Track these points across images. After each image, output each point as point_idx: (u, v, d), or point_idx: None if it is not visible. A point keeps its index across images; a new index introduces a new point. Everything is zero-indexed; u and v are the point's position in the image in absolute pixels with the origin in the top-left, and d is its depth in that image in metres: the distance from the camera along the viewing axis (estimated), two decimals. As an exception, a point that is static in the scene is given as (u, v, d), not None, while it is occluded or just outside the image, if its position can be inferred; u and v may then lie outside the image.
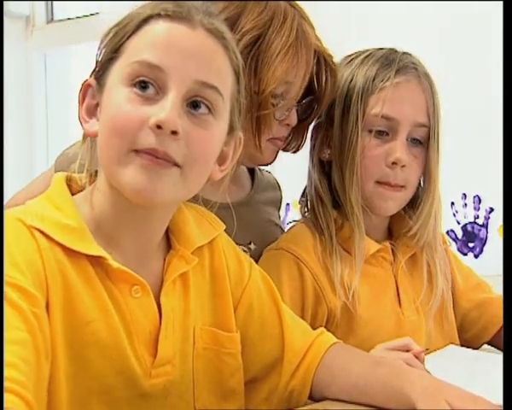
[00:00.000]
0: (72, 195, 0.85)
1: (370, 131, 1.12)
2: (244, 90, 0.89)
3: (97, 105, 0.84)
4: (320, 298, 1.11)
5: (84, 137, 0.88)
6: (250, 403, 0.95)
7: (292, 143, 1.20)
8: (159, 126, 0.76)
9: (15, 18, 2.70)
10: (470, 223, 1.78)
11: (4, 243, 0.73)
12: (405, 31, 1.76)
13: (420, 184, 1.20)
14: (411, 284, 1.21)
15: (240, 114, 0.88)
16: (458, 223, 1.79)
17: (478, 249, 1.77)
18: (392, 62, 1.13)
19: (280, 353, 0.94)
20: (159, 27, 0.80)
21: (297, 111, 1.13)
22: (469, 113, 1.68)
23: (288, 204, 2.07)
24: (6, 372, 0.63)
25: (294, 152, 1.22)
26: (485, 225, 1.75)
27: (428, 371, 0.96)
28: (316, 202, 1.18)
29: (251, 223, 1.18)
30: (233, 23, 1.02)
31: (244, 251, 1.06)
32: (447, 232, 1.80)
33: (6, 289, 0.70)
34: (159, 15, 0.80)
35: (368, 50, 1.18)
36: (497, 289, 1.24)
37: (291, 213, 2.04)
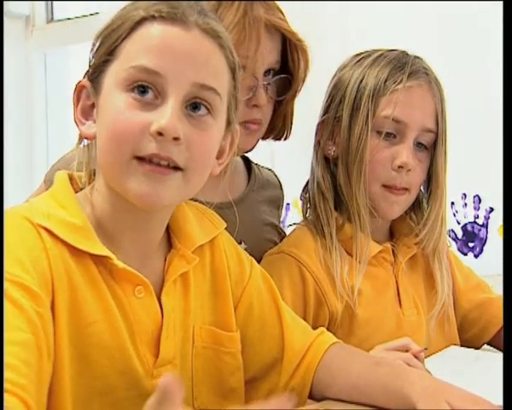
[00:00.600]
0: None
1: (378, 133, 1.13)
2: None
3: (93, 106, 0.83)
4: (322, 302, 1.11)
5: (80, 137, 0.88)
6: (249, 403, 0.94)
7: (275, 129, 1.20)
8: (160, 133, 0.76)
9: (15, 18, 2.69)
10: (470, 223, 1.78)
11: (9, 241, 0.73)
12: (405, 31, 1.76)
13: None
14: (412, 284, 1.21)
15: (236, 108, 0.88)
16: (458, 223, 1.79)
17: (478, 249, 1.77)
18: (405, 65, 1.13)
19: (280, 352, 0.94)
20: (154, 30, 0.79)
21: (267, 91, 1.13)
22: (469, 113, 1.68)
23: (288, 204, 2.07)
24: (6, 374, 0.63)
25: (279, 139, 1.23)
26: (485, 225, 1.75)
27: (429, 371, 0.96)
28: (317, 199, 1.18)
29: (243, 222, 1.17)
30: None
31: None
32: (447, 232, 1.80)
33: (10, 287, 0.70)
34: (153, 17, 0.80)
35: (379, 51, 1.18)
36: (497, 289, 1.24)
37: (291, 213, 2.04)
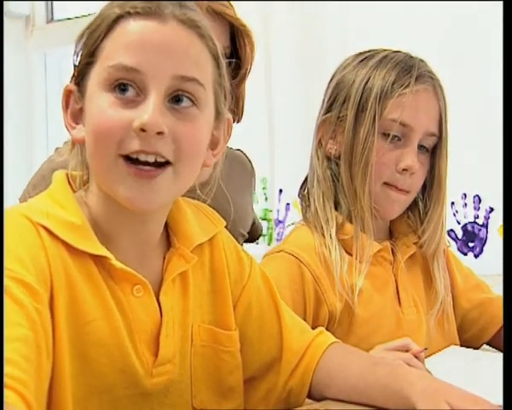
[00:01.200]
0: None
1: (384, 135, 1.13)
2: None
3: (81, 110, 0.83)
4: (321, 300, 1.11)
5: (73, 143, 0.87)
6: (248, 402, 0.95)
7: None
8: (143, 129, 0.76)
9: (15, 18, 2.69)
10: (470, 223, 1.78)
11: (9, 239, 0.73)
12: (405, 31, 1.76)
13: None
14: (411, 283, 1.21)
15: (225, 98, 0.88)
16: (458, 223, 1.79)
17: (478, 249, 1.77)
18: (412, 69, 1.13)
19: (278, 352, 0.94)
20: (130, 27, 0.79)
21: None
22: (469, 113, 1.68)
23: (288, 204, 2.07)
24: (6, 369, 0.63)
25: (234, 121, 1.24)
26: (485, 225, 1.75)
27: (429, 371, 0.96)
28: (317, 198, 1.18)
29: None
30: None
31: None
32: (447, 232, 1.80)
33: (10, 283, 0.70)
34: (128, 14, 0.79)
35: (382, 51, 1.18)
36: (497, 289, 1.24)
37: (291, 213, 2.04)
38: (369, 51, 1.19)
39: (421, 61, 1.17)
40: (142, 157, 0.77)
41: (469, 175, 1.72)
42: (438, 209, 1.19)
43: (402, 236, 1.22)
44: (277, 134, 2.08)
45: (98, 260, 0.80)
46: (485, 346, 1.28)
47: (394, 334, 1.10)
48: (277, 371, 0.94)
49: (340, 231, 1.16)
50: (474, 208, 1.77)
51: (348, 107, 1.15)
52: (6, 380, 0.62)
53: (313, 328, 0.99)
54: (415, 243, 1.23)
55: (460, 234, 1.79)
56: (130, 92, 0.78)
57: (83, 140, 0.82)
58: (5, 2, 2.52)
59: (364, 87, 1.14)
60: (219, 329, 0.91)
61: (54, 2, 2.81)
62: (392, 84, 1.12)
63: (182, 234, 0.89)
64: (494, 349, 1.27)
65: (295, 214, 1.90)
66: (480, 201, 1.76)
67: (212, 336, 0.90)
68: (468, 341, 1.27)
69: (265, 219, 2.10)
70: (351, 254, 1.15)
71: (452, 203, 1.77)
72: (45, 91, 2.74)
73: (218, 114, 0.86)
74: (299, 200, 1.25)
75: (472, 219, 1.77)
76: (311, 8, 1.98)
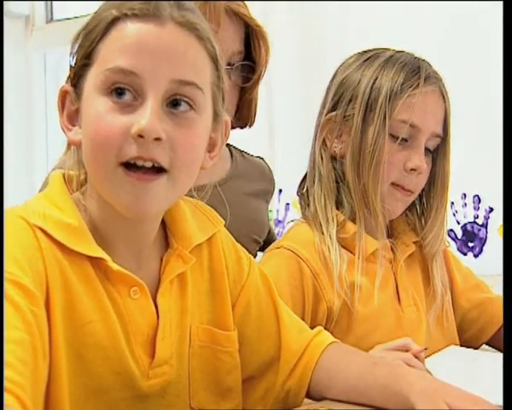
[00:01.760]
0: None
1: (391, 135, 1.13)
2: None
3: (77, 111, 0.82)
4: (319, 296, 1.11)
5: (69, 145, 0.87)
6: (247, 402, 0.95)
7: (242, 117, 1.24)
8: (140, 135, 0.75)
9: (15, 18, 2.69)
10: (470, 223, 1.78)
11: (5, 240, 0.73)
12: (405, 31, 1.76)
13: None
14: (410, 281, 1.21)
15: (223, 100, 0.87)
16: (458, 223, 1.79)
17: (477, 249, 1.77)
18: (420, 70, 1.14)
19: (277, 352, 0.94)
20: (127, 29, 0.77)
21: (230, 76, 1.16)
22: (469, 113, 1.68)
23: (287, 204, 2.07)
24: (4, 372, 0.63)
25: (244, 127, 1.26)
26: (485, 225, 1.75)
27: (429, 371, 0.96)
28: (318, 196, 1.18)
29: (220, 201, 1.17)
30: None
31: None
32: (447, 232, 1.80)
33: (6, 285, 0.69)
34: (125, 16, 0.77)
35: (386, 50, 1.17)
36: (497, 289, 1.24)
37: (291, 213, 2.04)
38: (372, 50, 1.19)
39: (425, 61, 1.17)
40: (140, 163, 0.76)
41: (469, 175, 1.72)
42: (441, 211, 1.20)
43: (401, 234, 1.23)
44: (277, 134, 2.08)
45: (95, 261, 0.79)
46: (484, 346, 1.28)
47: (394, 333, 1.11)
48: (276, 371, 0.93)
49: (342, 229, 1.16)
50: (474, 208, 1.77)
51: (355, 106, 1.14)
52: (4, 383, 0.62)
53: (312, 326, 0.99)
54: (414, 242, 1.23)
55: (460, 234, 1.79)
56: (128, 96, 0.76)
57: (79, 143, 0.81)
58: (5, 3, 2.52)
59: (372, 87, 1.13)
60: (218, 329, 0.91)
61: (53, 2, 2.81)
62: (402, 85, 1.12)
63: (180, 234, 0.88)
64: (494, 349, 1.27)
65: (295, 214, 1.89)
66: (479, 201, 1.76)
67: (210, 336, 0.90)
68: (468, 341, 1.27)
69: (265, 219, 2.10)
70: (350, 252, 1.15)
71: (452, 203, 1.77)
72: (45, 91, 2.74)
73: (215, 117, 0.85)
74: (298, 198, 1.25)
75: (471, 219, 1.77)
76: (311, 8, 1.98)
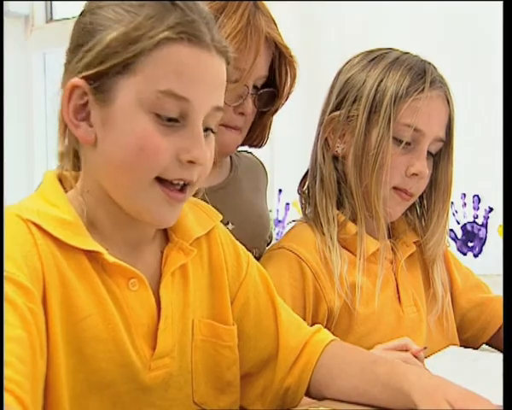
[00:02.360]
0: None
1: (395, 139, 1.12)
2: None
3: (84, 106, 0.80)
4: (320, 297, 1.11)
5: (64, 132, 0.84)
6: (245, 399, 0.95)
7: (254, 137, 1.23)
8: (192, 162, 0.79)
9: (15, 18, 2.69)
10: (470, 223, 1.78)
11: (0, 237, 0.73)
12: (405, 31, 1.76)
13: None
14: (411, 282, 1.21)
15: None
16: (458, 222, 1.79)
17: (477, 249, 1.77)
18: (425, 74, 1.13)
19: (274, 349, 0.94)
20: (181, 54, 0.77)
21: (254, 101, 1.15)
22: (469, 113, 1.68)
23: (287, 204, 2.07)
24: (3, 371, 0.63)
25: (258, 147, 1.26)
26: (485, 225, 1.75)
27: (428, 371, 0.96)
28: (319, 196, 1.18)
29: (228, 204, 1.17)
30: None
31: None
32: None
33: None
34: (180, 39, 0.77)
35: (393, 51, 1.17)
36: (497, 289, 1.24)
37: (291, 213, 2.04)
38: (378, 51, 1.18)
39: (431, 64, 1.16)
40: (176, 182, 0.80)
41: (469, 175, 1.72)
42: (444, 216, 1.20)
43: (402, 235, 1.23)
44: (277, 134, 2.08)
45: (91, 255, 0.80)
46: (484, 346, 1.28)
47: (394, 332, 1.11)
48: (273, 368, 0.94)
49: (342, 230, 1.16)
50: (474, 208, 1.77)
51: (359, 107, 1.14)
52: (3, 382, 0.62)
53: (313, 325, 0.99)
54: (414, 243, 1.23)
55: (459, 234, 1.79)
56: (172, 117, 0.78)
57: (92, 142, 0.80)
58: (5, 3, 2.52)
59: (377, 88, 1.13)
60: (218, 323, 0.91)
61: (53, 2, 2.81)
62: (407, 88, 1.11)
63: (180, 228, 0.89)
64: (494, 349, 1.27)
65: (295, 214, 1.89)
66: (479, 200, 1.76)
67: (212, 330, 0.90)
68: (468, 341, 1.27)
69: (265, 219, 2.10)
70: (351, 252, 1.15)
71: (452, 203, 1.77)
72: (44, 91, 2.75)
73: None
74: (298, 197, 1.25)
75: (471, 219, 1.77)
76: (311, 9, 1.98)
